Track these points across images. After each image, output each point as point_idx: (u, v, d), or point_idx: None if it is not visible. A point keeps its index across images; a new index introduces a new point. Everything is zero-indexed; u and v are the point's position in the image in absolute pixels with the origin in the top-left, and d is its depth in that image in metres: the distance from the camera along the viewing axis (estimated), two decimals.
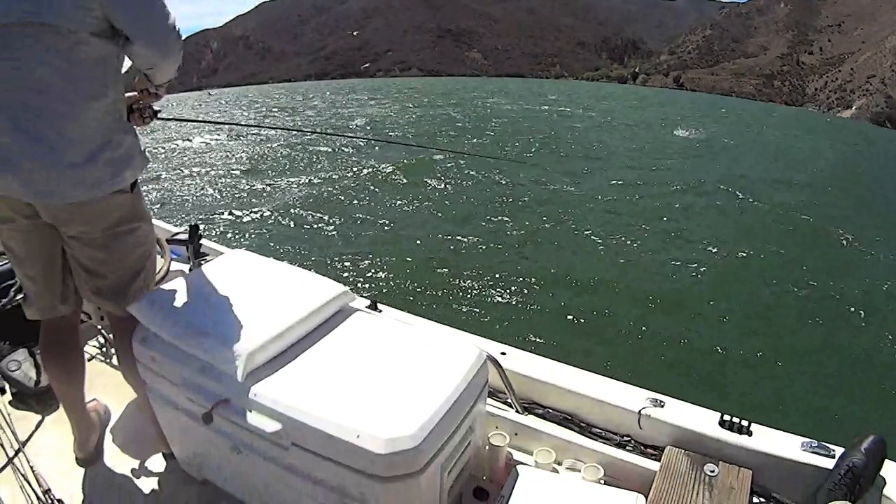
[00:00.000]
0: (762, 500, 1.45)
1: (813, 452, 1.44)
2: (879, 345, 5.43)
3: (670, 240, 8.25)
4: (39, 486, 1.54)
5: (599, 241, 8.02)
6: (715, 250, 7.93)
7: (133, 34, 1.30)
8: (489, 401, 1.64)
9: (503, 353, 1.79)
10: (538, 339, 5.05)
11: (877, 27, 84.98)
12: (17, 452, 1.65)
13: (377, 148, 13.89)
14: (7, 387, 2.06)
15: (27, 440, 1.84)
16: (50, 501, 1.49)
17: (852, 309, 6.23)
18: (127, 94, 1.50)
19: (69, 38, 1.21)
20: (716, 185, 12.73)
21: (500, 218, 8.81)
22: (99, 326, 2.22)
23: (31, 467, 1.61)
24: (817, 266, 7.56)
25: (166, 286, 1.51)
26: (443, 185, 10.70)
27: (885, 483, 1.35)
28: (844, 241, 9.09)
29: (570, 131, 20.55)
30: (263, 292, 1.50)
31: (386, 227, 8.20)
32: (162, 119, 1.68)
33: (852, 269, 7.57)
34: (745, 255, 7.80)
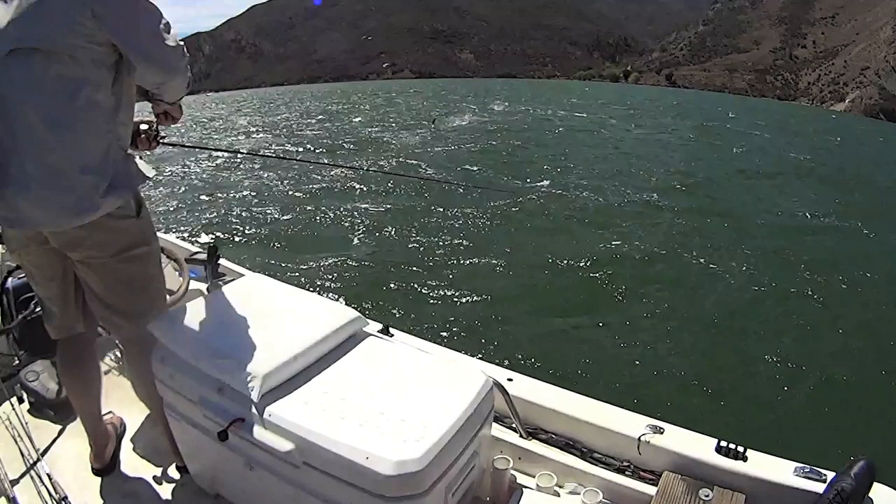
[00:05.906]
0: None
1: (805, 477, 1.47)
2: (878, 370, 5.29)
3: (675, 266, 7.99)
4: (57, 493, 1.59)
5: (606, 265, 7.80)
6: (725, 275, 7.63)
7: (133, 56, 1.29)
8: (495, 425, 1.68)
9: (510, 380, 1.83)
10: (544, 366, 5.01)
11: (871, 18, 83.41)
12: (35, 461, 1.70)
13: (387, 174, 13.73)
14: (25, 396, 2.12)
15: (46, 450, 1.89)
16: None
17: (853, 331, 6.06)
18: (143, 119, 1.54)
19: (65, 63, 1.20)
20: (725, 195, 12.47)
21: (517, 244, 8.64)
22: (116, 341, 2.28)
23: (49, 475, 1.66)
24: (825, 288, 7.27)
25: (185, 306, 1.56)
26: (456, 212, 10.42)
27: None
28: (859, 252, 8.77)
29: (571, 142, 20.04)
30: (279, 316, 1.56)
31: (402, 255, 8.11)
32: (165, 144, 1.70)
33: (861, 290, 7.26)
34: (752, 281, 7.49)
